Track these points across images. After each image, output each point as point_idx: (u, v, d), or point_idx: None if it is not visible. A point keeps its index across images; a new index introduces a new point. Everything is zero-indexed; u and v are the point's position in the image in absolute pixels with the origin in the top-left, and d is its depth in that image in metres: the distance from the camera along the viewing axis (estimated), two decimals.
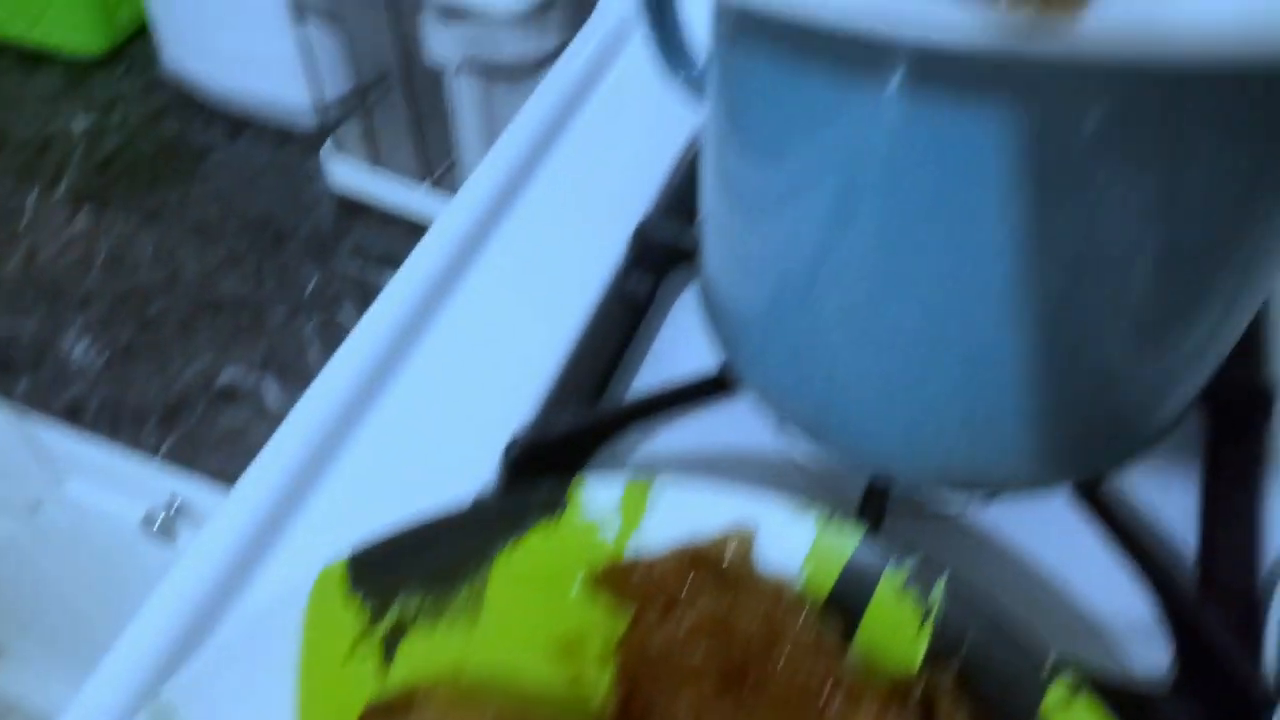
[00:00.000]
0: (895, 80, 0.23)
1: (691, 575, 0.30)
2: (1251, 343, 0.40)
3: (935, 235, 0.25)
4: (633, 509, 0.31)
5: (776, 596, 0.30)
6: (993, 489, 0.34)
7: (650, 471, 0.37)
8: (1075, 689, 0.26)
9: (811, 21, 0.22)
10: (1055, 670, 0.26)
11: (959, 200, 0.25)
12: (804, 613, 0.29)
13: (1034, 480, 0.34)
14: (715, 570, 0.30)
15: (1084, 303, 0.26)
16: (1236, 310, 0.29)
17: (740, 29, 0.27)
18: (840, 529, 0.30)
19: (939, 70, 0.22)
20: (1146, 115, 0.22)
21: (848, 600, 0.29)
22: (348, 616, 0.30)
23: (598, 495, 0.32)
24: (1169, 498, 0.37)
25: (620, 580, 0.30)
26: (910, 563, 0.29)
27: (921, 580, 0.29)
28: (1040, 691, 0.26)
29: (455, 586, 0.31)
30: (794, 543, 0.30)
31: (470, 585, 0.31)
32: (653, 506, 0.31)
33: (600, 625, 0.30)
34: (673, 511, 0.31)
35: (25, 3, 0.95)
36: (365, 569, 0.31)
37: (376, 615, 0.30)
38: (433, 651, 0.30)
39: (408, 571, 0.31)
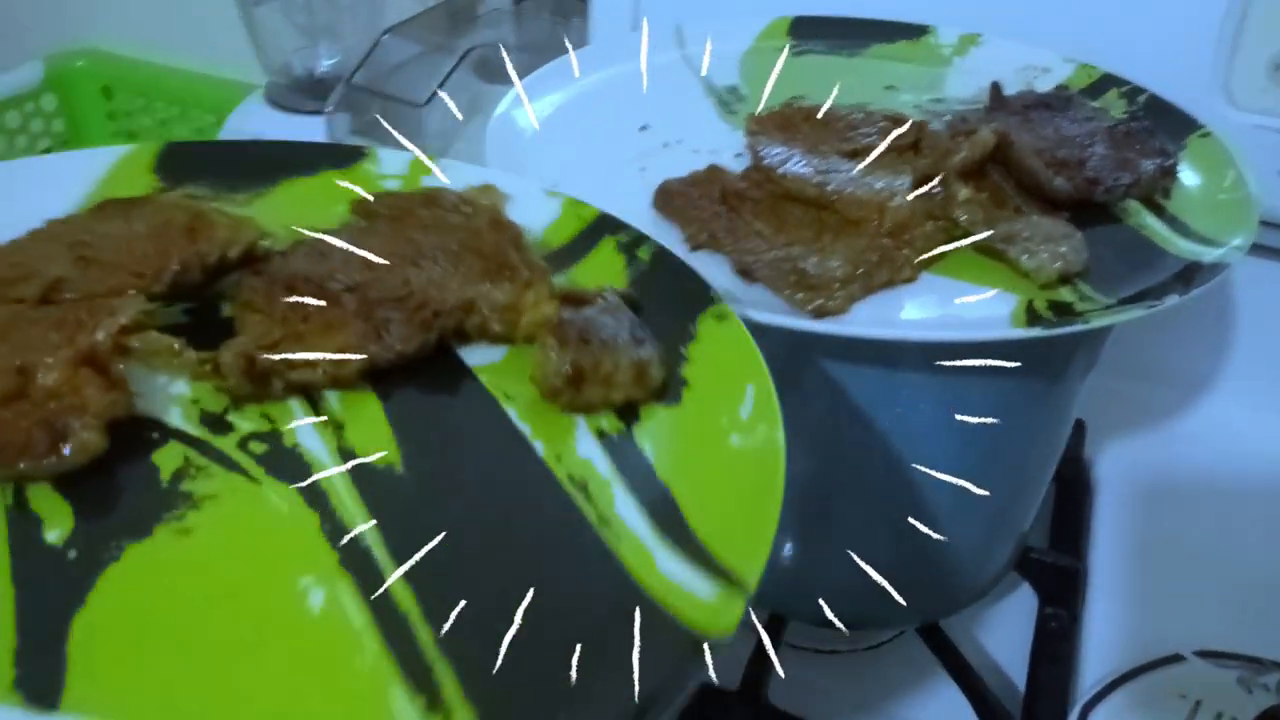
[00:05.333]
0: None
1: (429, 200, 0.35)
2: (1072, 532, 0.56)
3: (812, 439, 0.37)
4: (415, 173, 0.38)
5: (493, 218, 0.34)
6: (851, 625, 0.49)
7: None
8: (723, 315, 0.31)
9: None
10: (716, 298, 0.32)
11: (828, 418, 0.39)
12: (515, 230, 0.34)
13: (882, 622, 0.49)
14: (452, 203, 0.35)
15: (905, 492, 0.40)
16: (1011, 510, 0.46)
17: None
18: (576, 204, 0.36)
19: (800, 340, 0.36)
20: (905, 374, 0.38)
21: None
22: (141, 184, 0.37)
23: (389, 159, 0.38)
24: (1010, 649, 0.52)
25: (372, 203, 0.35)
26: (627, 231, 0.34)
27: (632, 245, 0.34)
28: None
29: (237, 191, 0.37)
30: (540, 215, 0.36)
31: (251, 194, 0.36)
32: (430, 174, 0.37)
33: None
34: (453, 176, 0.37)
35: None
36: (171, 159, 0.37)
37: (167, 189, 0.36)
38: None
39: (203, 172, 0.37)
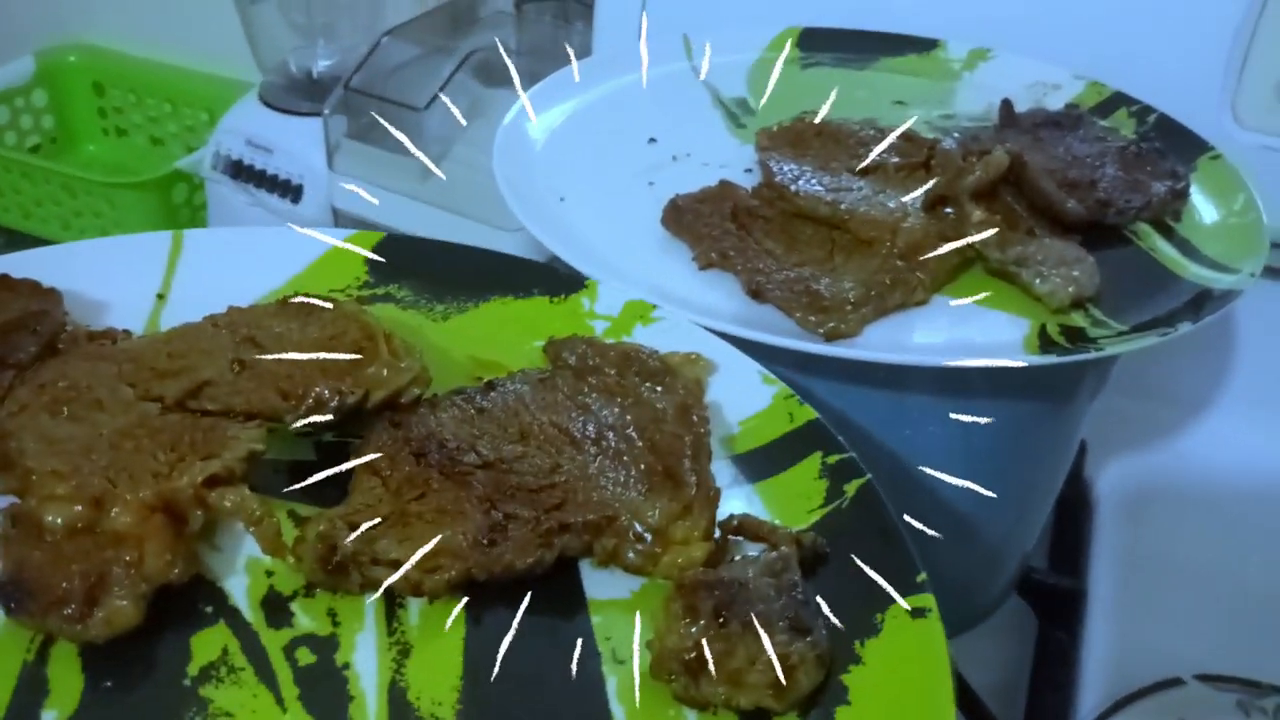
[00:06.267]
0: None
1: (626, 364, 0.32)
2: (1071, 552, 0.56)
3: None
4: (627, 319, 0.35)
5: (684, 404, 0.30)
6: None
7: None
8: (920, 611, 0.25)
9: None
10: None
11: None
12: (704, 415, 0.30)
13: None
14: (648, 370, 0.32)
15: (912, 513, 0.34)
16: (1017, 531, 0.46)
17: None
18: (791, 401, 0.31)
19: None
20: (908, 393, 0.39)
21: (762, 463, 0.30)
22: (350, 273, 0.36)
23: (608, 296, 0.36)
24: (1010, 670, 0.52)
25: (565, 346, 0.33)
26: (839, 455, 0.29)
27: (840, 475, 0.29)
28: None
29: (442, 301, 0.36)
30: (747, 401, 0.31)
31: (453, 307, 0.35)
32: (648, 323, 0.35)
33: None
34: (665, 334, 0.34)
35: None
36: (388, 251, 0.37)
37: (371, 285, 0.36)
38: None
39: (415, 272, 0.37)
